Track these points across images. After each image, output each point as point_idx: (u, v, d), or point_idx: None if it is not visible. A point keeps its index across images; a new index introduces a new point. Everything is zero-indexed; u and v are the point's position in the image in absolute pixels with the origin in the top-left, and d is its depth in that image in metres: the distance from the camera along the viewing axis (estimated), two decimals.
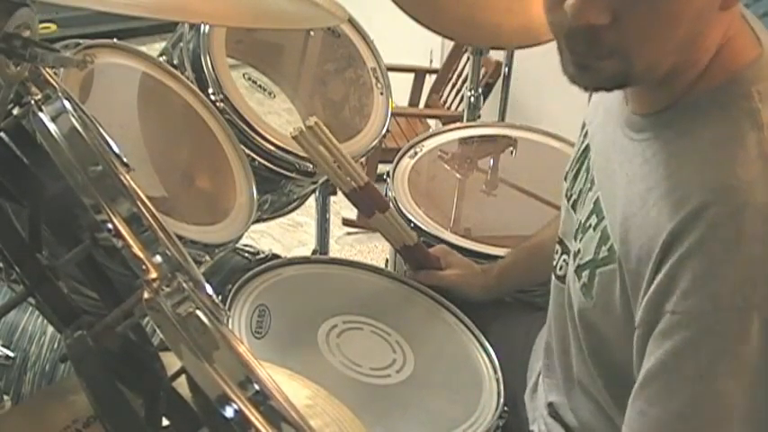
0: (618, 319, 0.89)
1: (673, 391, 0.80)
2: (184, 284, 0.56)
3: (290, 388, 0.86)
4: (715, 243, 0.77)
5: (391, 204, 1.52)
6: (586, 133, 1.05)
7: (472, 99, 2.09)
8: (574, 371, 1.04)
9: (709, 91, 0.84)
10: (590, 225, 0.94)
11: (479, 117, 2.13)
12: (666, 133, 0.86)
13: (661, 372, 0.80)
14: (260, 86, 1.60)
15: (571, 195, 1.05)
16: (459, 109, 3.03)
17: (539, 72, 2.73)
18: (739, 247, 0.76)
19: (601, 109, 1.01)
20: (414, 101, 3.35)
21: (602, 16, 0.78)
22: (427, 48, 3.48)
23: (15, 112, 0.71)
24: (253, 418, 0.53)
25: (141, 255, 0.57)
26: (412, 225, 1.47)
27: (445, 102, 3.23)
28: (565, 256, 1.05)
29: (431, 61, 3.51)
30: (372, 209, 1.34)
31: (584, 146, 1.04)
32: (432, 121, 3.33)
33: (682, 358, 0.79)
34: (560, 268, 1.07)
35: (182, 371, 0.62)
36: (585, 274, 0.93)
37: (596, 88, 0.88)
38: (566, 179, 1.09)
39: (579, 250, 0.95)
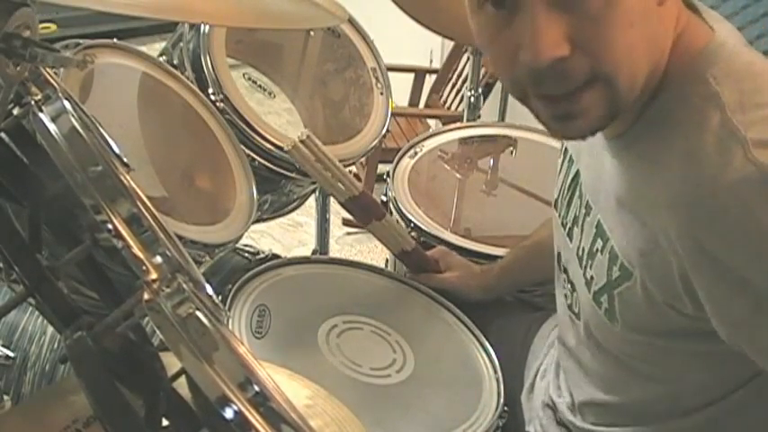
0: (648, 332, 0.90)
1: None
2: (184, 285, 0.56)
3: (290, 388, 0.86)
4: (729, 231, 0.77)
5: (391, 205, 1.52)
6: (571, 158, 1.05)
7: (472, 99, 2.09)
8: (594, 393, 1.04)
9: (669, 90, 0.83)
10: (597, 249, 0.94)
11: (479, 117, 2.13)
12: (642, 144, 0.86)
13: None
14: (260, 86, 1.60)
15: (566, 223, 1.04)
16: (459, 109, 3.03)
17: None
18: (751, 220, 0.76)
19: None
20: (414, 101, 3.35)
21: (560, 48, 0.76)
22: (427, 48, 3.48)
23: (15, 112, 0.71)
24: (253, 420, 0.53)
25: (141, 255, 0.57)
26: (412, 225, 1.47)
27: (445, 102, 3.23)
28: (568, 285, 1.05)
29: (431, 61, 3.51)
30: (369, 217, 1.34)
31: (573, 172, 1.04)
32: (432, 121, 3.33)
33: None
34: (567, 297, 1.06)
35: (182, 371, 0.62)
36: (604, 299, 0.92)
37: (591, 132, 0.85)
38: (555, 206, 1.08)
39: (592, 277, 0.95)
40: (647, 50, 0.80)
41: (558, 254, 1.09)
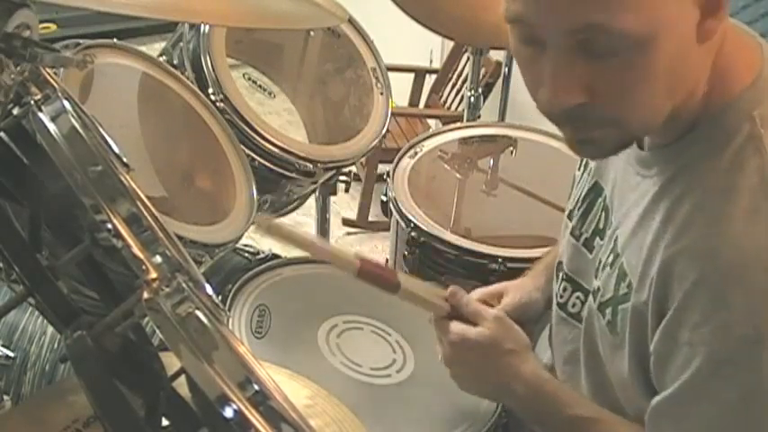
0: (628, 355, 0.90)
1: (688, 414, 0.81)
2: (184, 285, 0.56)
3: (290, 388, 0.87)
4: (719, 275, 0.78)
5: (391, 205, 1.51)
6: (590, 171, 1.04)
7: (472, 99, 2.08)
8: None
9: (711, 118, 0.82)
10: (608, 263, 0.94)
11: (479, 117, 2.13)
12: (674, 166, 0.85)
13: (678, 397, 0.82)
14: (260, 86, 1.60)
15: (581, 234, 1.03)
16: (459, 109, 3.03)
17: None
18: (745, 277, 0.77)
19: None
20: (414, 101, 3.35)
21: (576, 97, 0.76)
22: (427, 48, 3.48)
23: (15, 112, 0.71)
24: (252, 419, 0.53)
25: (141, 255, 0.57)
26: (412, 225, 1.47)
27: (445, 102, 3.23)
28: (579, 294, 1.03)
29: (431, 61, 3.51)
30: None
31: (591, 184, 1.03)
32: (432, 121, 3.33)
33: (698, 385, 0.80)
34: (573, 305, 1.04)
35: (181, 371, 0.62)
36: (609, 311, 0.92)
37: (604, 156, 0.87)
38: (569, 217, 1.06)
39: (599, 288, 0.95)
40: (670, 93, 0.79)
41: (560, 262, 1.08)
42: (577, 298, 1.04)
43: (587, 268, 1.01)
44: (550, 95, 0.76)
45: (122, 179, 0.61)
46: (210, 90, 1.41)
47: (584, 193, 1.04)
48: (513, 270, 1.42)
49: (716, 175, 0.80)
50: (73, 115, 0.63)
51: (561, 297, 1.06)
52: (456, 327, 1.05)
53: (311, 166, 1.49)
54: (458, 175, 1.70)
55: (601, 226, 1.00)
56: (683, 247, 0.80)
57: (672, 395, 0.82)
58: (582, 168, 1.07)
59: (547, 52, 0.76)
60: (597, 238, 1.00)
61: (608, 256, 0.94)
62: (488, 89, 2.76)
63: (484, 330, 1.04)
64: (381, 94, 1.66)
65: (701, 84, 0.82)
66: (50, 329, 1.24)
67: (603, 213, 1.00)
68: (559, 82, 0.75)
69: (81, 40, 1.25)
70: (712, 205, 0.79)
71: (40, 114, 0.64)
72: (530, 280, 1.24)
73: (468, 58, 2.10)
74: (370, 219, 3.04)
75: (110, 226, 0.58)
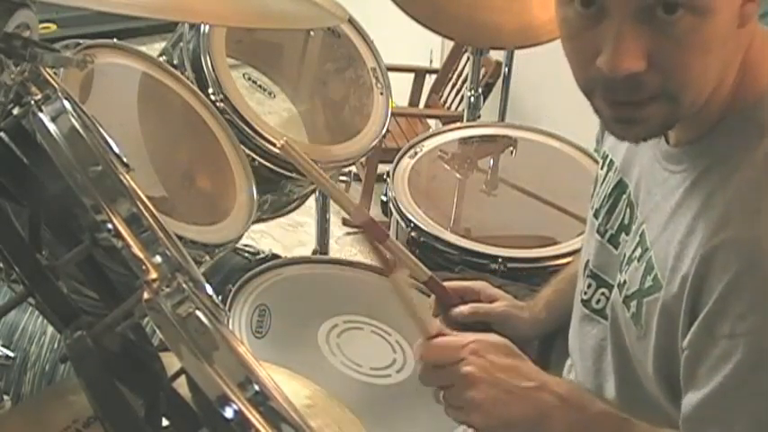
0: (653, 348, 0.90)
1: (735, 413, 0.81)
2: (184, 285, 0.56)
3: (290, 388, 0.86)
4: (765, 264, 0.78)
5: (391, 205, 1.51)
6: (615, 168, 1.04)
7: (472, 99, 2.09)
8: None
9: (741, 112, 0.84)
10: (635, 257, 0.94)
11: (479, 117, 2.13)
12: (705, 161, 0.86)
13: (721, 395, 0.81)
14: (260, 86, 1.60)
15: (606, 230, 1.04)
16: (459, 109, 3.03)
17: (539, 72, 2.73)
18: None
19: (625, 144, 1.01)
20: (414, 101, 3.35)
21: (639, 63, 0.77)
22: (427, 48, 3.48)
23: (15, 112, 0.71)
24: (252, 419, 0.53)
25: (141, 255, 0.57)
26: (412, 225, 1.47)
27: (445, 102, 3.23)
28: (604, 290, 1.04)
29: (431, 61, 3.51)
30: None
31: (616, 181, 1.04)
32: (432, 121, 3.33)
33: (742, 379, 0.80)
34: (597, 302, 1.05)
35: (182, 371, 0.62)
36: (633, 304, 0.93)
37: (646, 138, 0.87)
38: (595, 215, 1.07)
39: (625, 281, 0.95)
40: (717, 73, 0.82)
41: (587, 261, 1.08)
42: (602, 294, 1.04)
43: (612, 264, 1.01)
44: (613, 59, 0.78)
45: (122, 179, 0.62)
46: (210, 90, 1.41)
47: (609, 191, 1.05)
48: (513, 270, 1.42)
49: (751, 168, 0.81)
50: (73, 115, 0.63)
51: (585, 294, 1.07)
52: (465, 334, 0.98)
53: None
54: (458, 175, 1.70)
55: (626, 222, 1.01)
56: (722, 240, 0.80)
57: (712, 393, 0.82)
58: (605, 167, 1.07)
59: (610, 18, 0.78)
60: (623, 234, 1.01)
61: (634, 251, 0.95)
62: (488, 89, 2.76)
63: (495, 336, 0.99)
64: (381, 94, 1.66)
65: (733, 71, 0.83)
66: (50, 329, 1.24)
67: (628, 209, 1.00)
68: (624, 45, 0.77)
69: (81, 40, 1.25)
70: (749, 198, 0.80)
71: (40, 114, 0.64)
72: (528, 309, 1.25)
73: (468, 58, 2.10)
74: None
75: (110, 226, 0.58)
